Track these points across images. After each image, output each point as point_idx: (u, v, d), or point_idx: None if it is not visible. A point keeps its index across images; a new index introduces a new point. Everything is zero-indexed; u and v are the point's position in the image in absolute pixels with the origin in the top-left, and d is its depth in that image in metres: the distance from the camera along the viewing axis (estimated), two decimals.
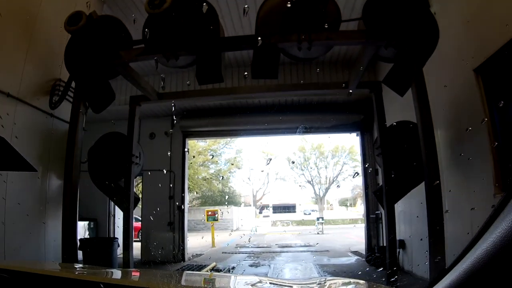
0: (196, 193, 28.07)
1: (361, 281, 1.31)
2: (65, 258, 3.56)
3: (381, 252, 7.00)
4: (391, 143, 4.20)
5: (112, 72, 4.16)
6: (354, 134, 9.08)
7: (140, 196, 9.26)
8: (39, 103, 4.50)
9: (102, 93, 3.94)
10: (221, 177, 28.31)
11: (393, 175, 4.09)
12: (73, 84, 4.24)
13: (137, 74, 4.51)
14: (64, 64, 4.16)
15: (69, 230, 3.63)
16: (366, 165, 8.30)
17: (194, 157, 24.23)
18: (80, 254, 5.53)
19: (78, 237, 7.74)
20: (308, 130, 8.65)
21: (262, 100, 8.11)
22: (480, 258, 0.56)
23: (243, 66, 6.33)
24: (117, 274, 1.61)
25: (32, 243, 4.10)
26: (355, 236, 14.74)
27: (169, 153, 8.80)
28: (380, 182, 8.21)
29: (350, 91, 4.57)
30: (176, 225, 8.74)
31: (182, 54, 3.53)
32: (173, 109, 7.63)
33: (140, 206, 9.83)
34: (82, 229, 9.28)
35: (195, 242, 13.09)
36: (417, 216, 5.10)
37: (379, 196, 4.32)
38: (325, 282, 1.30)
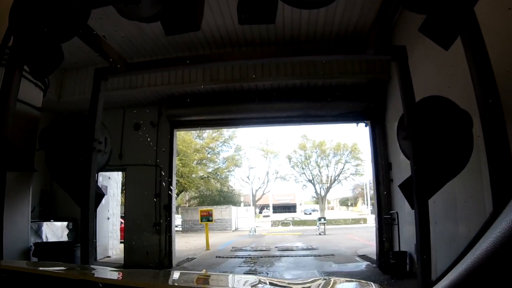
0: (194, 192, 27.24)
1: (363, 281, 1.33)
2: None
3: (396, 258, 6.14)
4: (423, 122, 3.24)
5: (61, 30, 3.20)
6: (362, 125, 8.10)
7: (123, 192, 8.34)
8: None
9: (45, 53, 2.96)
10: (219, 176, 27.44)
11: (426, 164, 3.13)
12: None
13: (98, 36, 3.55)
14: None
15: None
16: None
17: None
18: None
19: (49, 240, 6.91)
20: (313, 119, 7.69)
21: (260, 84, 7.13)
22: (480, 258, 0.56)
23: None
24: (117, 274, 1.60)
25: None
26: (359, 238, 13.93)
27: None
28: (393, 177, 7.39)
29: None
30: (162, 226, 7.77)
31: None
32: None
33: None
34: (60, 230, 8.38)
35: (191, 243, 12.22)
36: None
37: (407, 191, 3.35)
38: (329, 281, 1.30)
